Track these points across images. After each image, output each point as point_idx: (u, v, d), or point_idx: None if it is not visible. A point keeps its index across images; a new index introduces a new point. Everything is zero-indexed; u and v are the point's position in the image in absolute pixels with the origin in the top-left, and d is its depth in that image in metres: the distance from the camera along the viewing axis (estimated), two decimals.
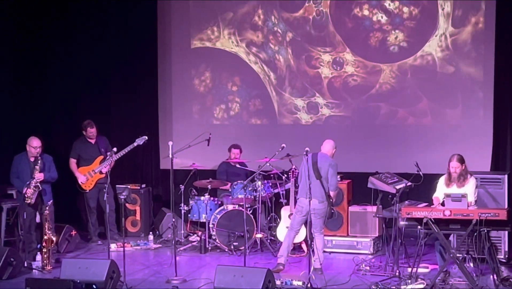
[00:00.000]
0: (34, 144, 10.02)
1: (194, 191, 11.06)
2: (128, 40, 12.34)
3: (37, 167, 9.92)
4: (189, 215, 11.03)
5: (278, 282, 8.55)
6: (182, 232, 11.13)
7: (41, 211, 10.01)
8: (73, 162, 11.23)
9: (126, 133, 12.12)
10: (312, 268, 8.99)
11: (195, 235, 11.17)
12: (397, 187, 9.47)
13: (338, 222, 10.56)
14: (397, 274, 8.96)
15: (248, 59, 12.17)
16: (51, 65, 12.47)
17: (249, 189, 10.52)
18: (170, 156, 9.32)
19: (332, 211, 9.38)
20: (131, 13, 12.29)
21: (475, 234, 8.34)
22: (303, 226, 9.62)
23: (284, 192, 10.85)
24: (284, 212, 10.46)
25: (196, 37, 12.40)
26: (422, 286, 8.55)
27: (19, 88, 12.05)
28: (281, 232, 10.34)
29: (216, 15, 12.28)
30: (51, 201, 9.98)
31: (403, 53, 11.54)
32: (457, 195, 8.61)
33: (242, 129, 12.25)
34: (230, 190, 10.97)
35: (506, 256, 9.67)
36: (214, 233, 10.56)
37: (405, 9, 11.50)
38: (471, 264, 8.87)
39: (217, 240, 10.56)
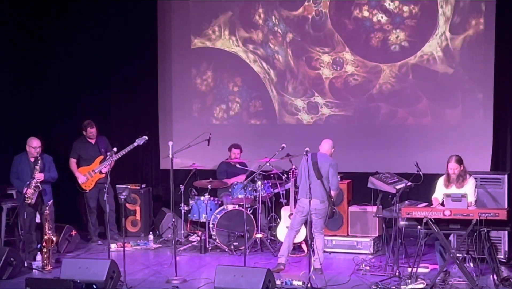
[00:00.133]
0: (34, 144, 10.02)
1: (194, 191, 11.06)
2: (128, 40, 12.34)
3: (37, 167, 9.92)
4: (189, 215, 11.03)
5: (278, 282, 8.55)
6: (182, 232, 11.13)
7: (41, 211, 10.01)
8: (73, 162, 11.23)
9: (126, 133, 12.12)
10: (312, 268, 8.99)
11: (195, 235, 11.17)
12: (397, 187, 9.47)
13: (338, 222, 10.57)
14: (397, 274, 8.97)
15: (248, 59, 12.17)
16: (51, 65, 12.47)
17: (249, 189, 10.52)
18: (170, 156, 9.32)
19: (334, 210, 9.40)
20: (131, 13, 12.30)
21: (475, 234, 8.34)
22: (303, 226, 9.62)
23: (284, 192, 10.85)
24: (284, 212, 10.46)
25: (196, 37, 12.40)
26: (422, 286, 8.55)
27: (19, 88, 12.05)
28: (281, 232, 10.34)
29: (216, 15, 12.28)
30: (51, 201, 9.98)
31: (403, 53, 11.54)
32: (457, 195, 8.61)
33: (242, 129, 12.25)
34: (230, 190, 10.96)
35: (506, 256, 9.67)
36: (214, 233, 10.57)
37: (405, 8, 11.50)
38: (471, 264, 8.87)
39: (217, 240, 10.56)
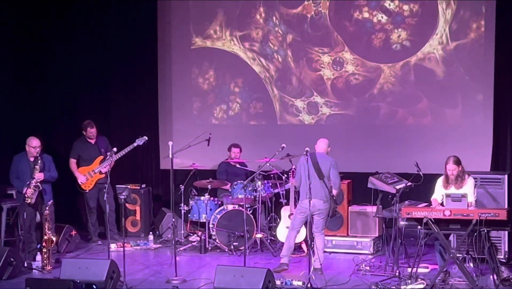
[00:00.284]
0: (34, 144, 10.02)
1: (194, 191, 11.06)
2: (128, 40, 12.34)
3: (37, 167, 9.92)
4: (189, 215, 11.03)
5: (278, 282, 8.55)
6: (182, 232, 11.13)
7: (41, 211, 10.01)
8: (73, 162, 11.23)
9: (126, 133, 12.13)
10: (312, 268, 8.98)
11: (195, 235, 11.17)
12: (397, 187, 9.46)
13: (338, 222, 10.56)
14: (397, 274, 8.96)
15: (248, 59, 12.17)
16: (51, 65, 12.47)
17: (249, 189, 10.52)
18: (170, 156, 9.32)
19: (336, 209, 9.42)
20: (131, 13, 12.30)
21: (475, 234, 8.34)
22: (303, 226, 9.62)
23: (284, 192, 10.85)
24: (284, 212, 10.46)
25: (196, 37, 12.40)
26: (422, 286, 8.55)
27: (19, 88, 12.05)
28: (281, 232, 10.34)
29: (216, 14, 12.28)
30: (51, 201, 9.98)
31: (403, 53, 11.53)
32: (457, 195, 8.61)
33: (242, 129, 12.25)
34: (230, 190, 10.97)
35: (506, 256, 9.67)
36: (214, 233, 10.57)
37: (406, 7, 11.49)
38: (471, 264, 8.87)
39: (217, 240, 10.56)
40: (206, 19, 12.34)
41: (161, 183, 12.44)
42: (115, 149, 10.24)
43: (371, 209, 10.16)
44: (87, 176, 11.12)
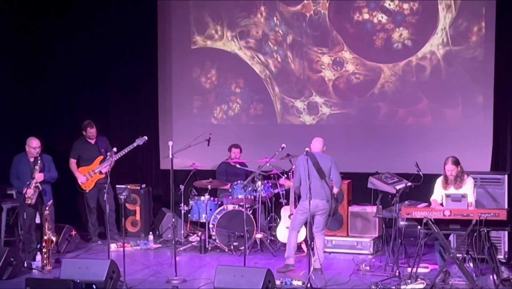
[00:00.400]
0: (34, 144, 10.02)
1: (194, 191, 11.05)
2: (128, 40, 12.34)
3: (37, 167, 9.92)
4: (189, 215, 11.03)
5: (278, 282, 8.55)
6: (182, 232, 11.13)
7: (41, 211, 10.01)
8: (73, 162, 11.23)
9: (126, 133, 12.12)
10: (312, 268, 8.98)
11: (195, 235, 11.17)
12: (397, 187, 9.46)
13: (338, 222, 10.55)
14: (397, 274, 8.96)
15: (248, 59, 12.17)
16: (51, 65, 12.47)
17: (249, 189, 10.52)
18: (170, 156, 9.32)
19: (337, 208, 9.45)
20: (131, 13, 12.29)
21: (475, 234, 8.34)
22: (303, 225, 9.62)
23: (284, 192, 10.84)
24: (284, 212, 10.46)
25: (196, 37, 12.39)
26: (422, 286, 8.55)
27: (19, 88, 12.05)
28: (281, 232, 10.35)
29: (216, 14, 12.28)
30: (51, 201, 9.98)
31: (403, 53, 11.53)
32: (457, 195, 8.61)
33: (242, 129, 12.25)
34: (230, 190, 10.97)
35: (506, 256, 9.67)
36: (214, 233, 10.57)
37: (406, 6, 11.49)
38: (471, 264, 8.86)
39: (217, 240, 10.56)
40: (206, 19, 12.33)
41: (161, 183, 12.43)
42: (115, 149, 10.25)
43: (371, 209, 10.16)
44: (87, 176, 11.12)
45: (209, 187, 10.90)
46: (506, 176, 9.69)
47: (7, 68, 11.81)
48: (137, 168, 12.53)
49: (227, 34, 12.25)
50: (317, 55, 11.87)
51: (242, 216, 10.17)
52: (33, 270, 9.62)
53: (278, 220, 10.70)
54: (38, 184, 9.89)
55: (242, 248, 10.13)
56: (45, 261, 9.65)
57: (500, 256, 9.53)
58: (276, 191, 10.85)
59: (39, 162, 9.95)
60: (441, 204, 8.82)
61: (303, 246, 10.32)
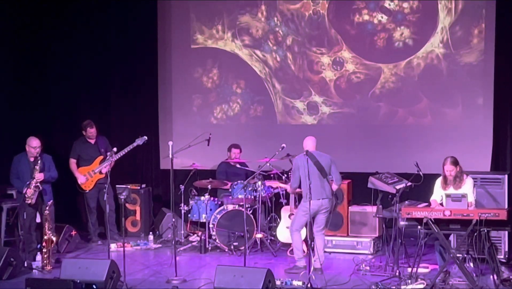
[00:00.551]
0: (34, 144, 10.02)
1: (194, 191, 11.05)
2: (128, 40, 12.34)
3: (37, 167, 9.92)
4: (189, 215, 11.03)
5: (278, 282, 8.55)
6: (182, 232, 11.12)
7: (41, 211, 10.01)
8: (73, 162, 11.23)
9: (126, 133, 12.12)
10: (312, 268, 8.98)
11: (195, 235, 11.17)
12: (397, 187, 9.46)
13: (338, 222, 10.56)
14: (397, 274, 8.96)
15: (249, 60, 12.17)
16: (51, 65, 12.47)
17: (249, 189, 10.52)
18: (170, 156, 9.32)
19: (336, 205, 9.50)
20: (131, 13, 12.30)
21: (475, 234, 8.34)
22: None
23: (284, 192, 10.84)
24: (284, 212, 10.45)
25: (197, 36, 12.39)
26: (422, 286, 8.55)
27: (19, 88, 12.05)
28: (281, 232, 10.35)
29: (216, 15, 12.27)
30: (51, 201, 9.98)
31: (403, 53, 11.53)
32: (457, 195, 8.61)
33: (242, 129, 12.25)
34: (230, 190, 10.96)
35: (506, 256, 9.66)
36: (214, 233, 10.56)
37: (405, 4, 11.49)
38: (471, 264, 8.86)
39: (217, 240, 10.56)
40: (206, 19, 12.33)
41: (161, 183, 12.44)
42: (115, 149, 10.26)
43: (371, 209, 10.16)
44: (87, 176, 11.12)
45: (209, 187, 10.90)
46: (506, 176, 9.69)
47: (7, 68, 11.81)
48: (137, 168, 12.53)
49: (228, 34, 12.25)
50: (317, 56, 11.87)
51: (242, 216, 10.17)
52: (33, 270, 9.62)
53: (278, 220, 10.70)
54: (38, 184, 9.89)
55: (242, 248, 10.13)
56: (45, 261, 9.65)
57: (500, 256, 9.52)
58: (276, 191, 10.85)
59: (39, 161, 9.95)
60: (441, 204, 8.82)
61: (303, 246, 10.30)
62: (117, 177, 11.39)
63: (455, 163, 8.88)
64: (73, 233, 10.87)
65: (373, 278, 9.00)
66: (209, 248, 10.65)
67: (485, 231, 8.34)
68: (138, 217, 11.84)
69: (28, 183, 9.89)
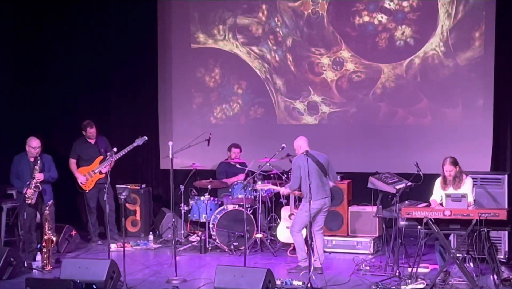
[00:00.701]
0: (34, 144, 10.02)
1: (194, 191, 11.06)
2: (128, 40, 12.34)
3: (37, 167, 9.92)
4: (189, 215, 11.04)
5: (278, 282, 8.55)
6: (182, 232, 11.13)
7: (41, 211, 10.01)
8: (73, 162, 11.23)
9: (126, 133, 12.13)
10: (312, 268, 8.98)
11: (195, 235, 11.17)
12: (397, 187, 9.46)
13: (338, 222, 10.56)
14: (397, 274, 8.96)
15: (249, 59, 12.17)
16: (51, 65, 12.47)
17: (249, 189, 10.52)
18: (170, 156, 9.32)
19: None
20: (131, 13, 12.30)
21: (475, 234, 8.34)
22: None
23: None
24: (284, 212, 10.45)
25: (196, 37, 12.39)
26: (422, 286, 8.55)
27: (19, 88, 12.05)
28: (281, 232, 10.34)
29: (217, 14, 12.28)
30: (51, 201, 9.98)
31: (403, 53, 11.53)
32: (457, 195, 8.61)
33: (242, 129, 12.25)
34: (230, 190, 10.96)
35: (506, 256, 9.66)
36: (214, 233, 10.56)
37: (405, 3, 11.49)
38: (471, 264, 8.86)
39: (217, 240, 10.56)
40: (206, 19, 12.33)
41: (161, 183, 12.44)
42: (115, 149, 10.27)
43: (371, 209, 10.15)
44: (87, 176, 11.12)
45: (209, 187, 10.90)
46: (506, 176, 9.69)
47: (7, 68, 11.81)
48: (137, 168, 12.53)
49: (228, 34, 12.25)
50: (317, 57, 11.86)
51: (242, 216, 10.17)
52: (33, 270, 9.62)
53: (278, 220, 10.69)
54: (38, 184, 9.89)
55: (242, 248, 10.14)
56: (45, 261, 9.65)
57: (500, 256, 9.52)
58: (276, 191, 10.84)
59: (39, 161, 9.95)
60: (441, 204, 8.82)
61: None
62: (117, 177, 11.40)
63: (455, 163, 8.87)
64: (73, 233, 10.87)
65: (373, 278, 9.00)
66: (209, 248, 10.65)
67: (485, 231, 8.34)
68: (138, 217, 11.84)
69: (28, 183, 9.89)
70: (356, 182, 10.88)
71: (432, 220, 8.46)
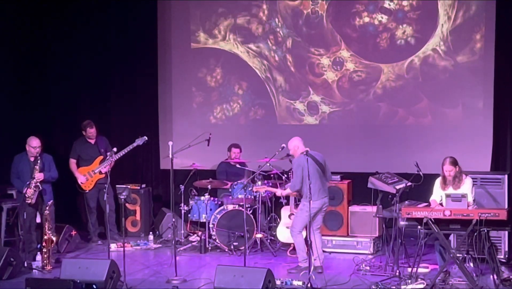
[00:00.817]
0: (34, 144, 10.02)
1: (194, 191, 11.06)
2: (128, 40, 12.34)
3: (37, 167, 9.92)
4: (189, 215, 11.04)
5: (278, 282, 8.55)
6: (182, 232, 11.13)
7: (41, 211, 10.01)
8: (73, 162, 11.23)
9: (126, 133, 12.13)
10: (312, 268, 8.98)
11: (195, 235, 11.17)
12: (397, 187, 9.46)
13: (338, 222, 10.56)
14: (397, 274, 8.96)
15: (249, 60, 12.17)
16: (51, 65, 12.47)
17: (249, 189, 10.51)
18: (170, 156, 9.32)
19: None
20: (131, 13, 12.30)
21: (475, 234, 8.34)
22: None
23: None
24: (284, 212, 10.45)
25: (196, 37, 12.39)
26: (422, 286, 8.55)
27: (19, 88, 12.05)
28: (281, 232, 10.34)
29: (217, 14, 12.27)
30: (52, 200, 9.98)
31: (403, 53, 11.53)
32: (457, 195, 8.61)
33: (242, 129, 12.25)
34: (230, 190, 10.96)
35: (506, 256, 9.67)
36: (214, 233, 10.56)
37: (405, 3, 11.48)
38: (471, 264, 8.86)
39: (217, 240, 10.56)
40: (206, 20, 12.33)
41: (161, 183, 12.44)
42: (115, 149, 10.27)
43: (371, 209, 10.15)
44: (87, 176, 11.12)
45: (209, 187, 10.90)
46: (506, 176, 9.69)
47: (7, 68, 11.81)
48: (137, 168, 12.53)
49: (228, 34, 12.25)
50: (317, 58, 11.85)
51: (242, 216, 10.17)
52: (33, 270, 9.62)
53: (278, 220, 10.69)
54: (38, 184, 9.89)
55: (242, 248, 10.14)
56: (45, 261, 9.65)
57: (500, 256, 9.53)
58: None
59: (39, 161, 9.95)
60: (440, 204, 8.82)
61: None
62: (117, 177, 11.40)
63: (454, 163, 8.87)
64: (73, 233, 10.87)
65: (373, 278, 9.00)
66: (209, 248, 10.65)
67: (485, 231, 8.34)
68: (138, 217, 11.84)
69: (28, 183, 9.89)
70: (356, 182, 10.88)
71: (432, 220, 8.46)
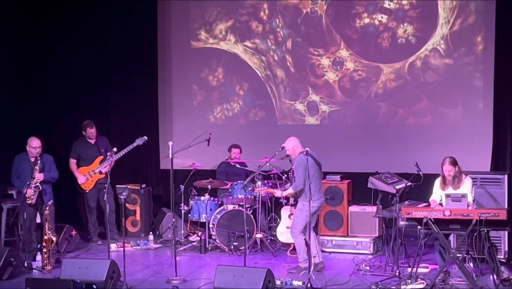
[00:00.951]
0: (34, 144, 10.02)
1: (194, 191, 11.06)
2: (128, 40, 12.34)
3: (37, 167, 9.92)
4: (189, 215, 11.04)
5: (278, 282, 8.55)
6: (182, 232, 11.13)
7: (42, 211, 10.01)
8: (73, 162, 11.23)
9: (126, 133, 12.13)
10: (312, 267, 8.98)
11: (195, 235, 11.17)
12: (397, 187, 9.47)
13: (338, 222, 10.56)
14: (397, 274, 8.96)
15: (249, 60, 12.17)
16: (51, 65, 12.47)
17: (249, 189, 10.51)
18: (170, 156, 9.32)
19: None
20: (131, 13, 12.30)
21: (475, 234, 8.34)
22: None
23: None
24: (284, 212, 10.45)
25: (196, 37, 12.40)
26: (422, 286, 8.55)
27: (19, 88, 12.05)
28: (281, 232, 10.34)
29: (217, 15, 12.27)
30: (52, 201, 9.98)
31: (403, 53, 11.53)
32: (457, 195, 8.61)
33: (242, 129, 12.25)
34: (230, 190, 10.96)
35: (506, 256, 9.67)
36: (214, 233, 10.57)
37: (405, 2, 11.48)
38: (471, 264, 8.86)
39: (217, 240, 10.56)
40: (207, 19, 12.33)
41: (161, 183, 12.44)
42: (115, 149, 10.27)
43: (371, 209, 10.15)
44: (87, 176, 11.12)
45: (209, 187, 10.90)
46: (506, 176, 9.69)
47: (7, 68, 11.81)
48: (137, 168, 12.53)
49: (228, 34, 12.25)
50: (317, 58, 11.85)
51: (242, 216, 10.17)
52: (33, 270, 9.63)
53: (278, 220, 10.69)
54: (38, 184, 9.89)
55: (242, 248, 10.14)
56: (45, 261, 9.66)
57: (500, 256, 9.52)
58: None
59: (39, 161, 9.95)
60: (440, 204, 8.82)
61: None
62: (117, 177, 11.40)
63: (454, 163, 8.88)
64: (73, 233, 10.87)
65: (373, 278, 9.00)
66: (209, 248, 10.65)
67: (485, 231, 8.34)
68: (138, 217, 11.84)
69: (28, 183, 9.89)
70: (356, 182, 10.88)
71: (432, 220, 8.46)
